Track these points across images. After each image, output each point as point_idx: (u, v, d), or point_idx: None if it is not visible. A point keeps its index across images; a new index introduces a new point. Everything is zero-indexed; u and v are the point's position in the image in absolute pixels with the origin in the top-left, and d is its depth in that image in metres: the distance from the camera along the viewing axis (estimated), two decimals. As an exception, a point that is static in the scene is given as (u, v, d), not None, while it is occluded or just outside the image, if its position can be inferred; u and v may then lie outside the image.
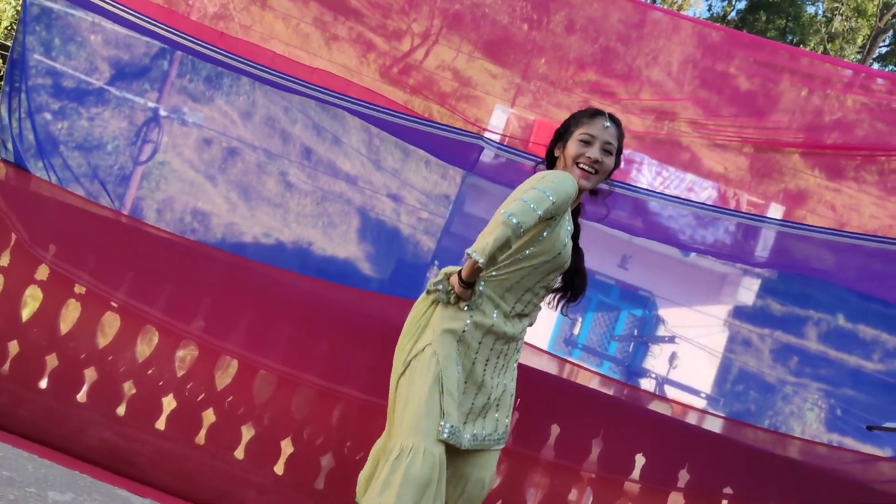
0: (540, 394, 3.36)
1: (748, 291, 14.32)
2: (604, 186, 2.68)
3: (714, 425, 3.92)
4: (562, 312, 2.75)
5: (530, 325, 2.66)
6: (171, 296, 3.44)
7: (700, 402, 12.19)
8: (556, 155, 2.62)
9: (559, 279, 2.64)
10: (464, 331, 2.45)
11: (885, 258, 3.97)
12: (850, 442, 22.84)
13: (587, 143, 2.53)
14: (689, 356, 12.88)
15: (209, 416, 3.38)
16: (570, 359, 12.20)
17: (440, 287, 2.47)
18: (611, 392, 4.02)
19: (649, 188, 13.17)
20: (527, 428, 3.36)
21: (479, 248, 2.29)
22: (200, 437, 3.37)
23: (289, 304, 3.44)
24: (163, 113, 12.28)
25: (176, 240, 3.72)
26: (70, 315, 3.49)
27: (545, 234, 2.46)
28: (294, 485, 3.32)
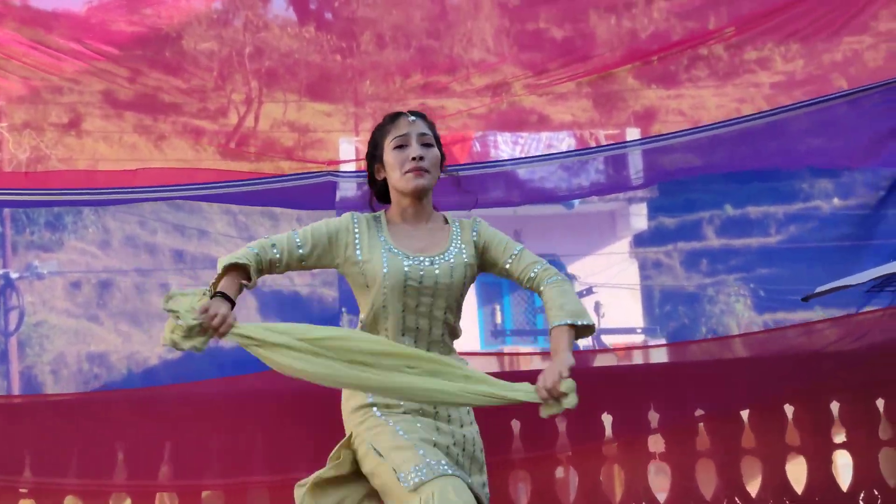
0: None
1: (639, 217, 14.65)
2: (448, 175, 2.36)
3: (660, 355, 3.91)
4: None
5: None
6: (84, 457, 3.17)
7: (639, 338, 12.37)
8: (379, 179, 2.31)
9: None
10: (370, 399, 2.13)
11: (738, 137, 4.03)
12: (782, 316, 23.75)
13: (402, 145, 2.25)
14: (611, 299, 13.07)
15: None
16: (504, 349, 12.21)
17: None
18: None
19: (513, 162, 13.27)
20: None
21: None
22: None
23: (210, 412, 3.23)
24: (14, 275, 11.64)
25: (72, 398, 3.46)
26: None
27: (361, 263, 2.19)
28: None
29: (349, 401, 2.17)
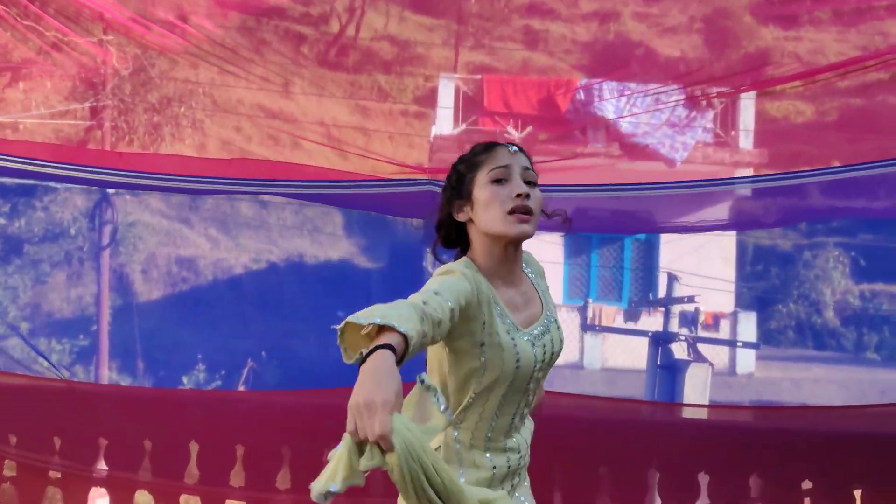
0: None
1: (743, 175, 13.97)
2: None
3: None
4: None
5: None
6: (153, 453, 3.11)
7: (721, 354, 11.79)
8: (459, 219, 1.87)
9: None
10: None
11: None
12: (881, 287, 22.73)
13: (502, 179, 1.83)
14: (705, 256, 12.63)
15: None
16: (589, 302, 11.90)
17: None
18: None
19: (616, 114, 12.62)
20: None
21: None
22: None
23: (285, 424, 3.11)
24: (110, 190, 11.86)
25: (142, 392, 3.39)
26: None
27: (484, 348, 1.78)
28: None
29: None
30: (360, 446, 1.40)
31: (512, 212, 1.79)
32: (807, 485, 3.03)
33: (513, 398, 1.83)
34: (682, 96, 12.51)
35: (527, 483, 1.97)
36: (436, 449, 1.76)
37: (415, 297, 1.61)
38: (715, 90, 13.39)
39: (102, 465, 3.11)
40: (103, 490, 3.16)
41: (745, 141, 13.15)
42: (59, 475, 3.14)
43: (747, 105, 13.03)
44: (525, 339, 1.82)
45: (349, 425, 1.40)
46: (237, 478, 3.11)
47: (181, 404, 3.34)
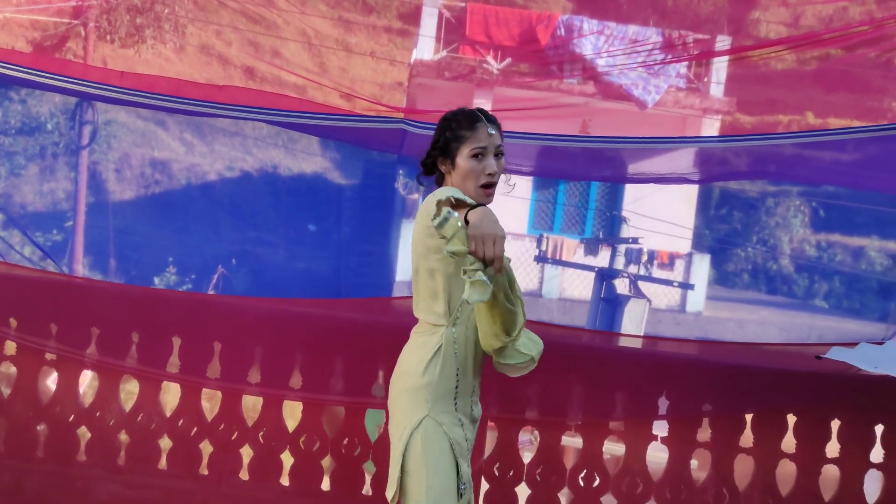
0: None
1: (711, 128, 14.34)
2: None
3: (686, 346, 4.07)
4: None
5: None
6: (140, 344, 3.49)
7: (673, 292, 12.26)
8: (441, 170, 2.47)
9: None
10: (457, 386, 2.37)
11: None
12: (837, 238, 23.26)
13: (479, 156, 2.39)
14: (667, 197, 13.04)
15: (206, 448, 3.51)
16: (548, 236, 12.33)
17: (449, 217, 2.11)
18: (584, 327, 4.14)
19: (594, 52, 12.86)
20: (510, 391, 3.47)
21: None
22: (203, 469, 3.50)
23: (255, 327, 3.50)
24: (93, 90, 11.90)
25: (131, 289, 3.75)
26: (48, 382, 3.56)
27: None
28: (301, 492, 3.48)
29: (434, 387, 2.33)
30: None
31: (483, 185, 2.39)
32: (707, 408, 3.50)
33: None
34: (660, 39, 12.74)
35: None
36: (437, 348, 2.35)
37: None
38: (692, 36, 13.62)
39: (94, 351, 3.49)
40: (93, 374, 3.55)
41: (717, 88, 13.42)
42: (54, 357, 3.52)
43: (723, 47, 13.20)
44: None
45: (472, 247, 2.05)
46: (213, 371, 3.52)
47: (165, 301, 3.71)
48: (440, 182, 2.49)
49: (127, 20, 12.45)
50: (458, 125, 2.42)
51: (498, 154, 2.42)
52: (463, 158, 2.40)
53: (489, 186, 2.41)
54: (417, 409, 2.32)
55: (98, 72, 4.14)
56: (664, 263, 12.69)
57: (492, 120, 2.44)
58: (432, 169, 2.50)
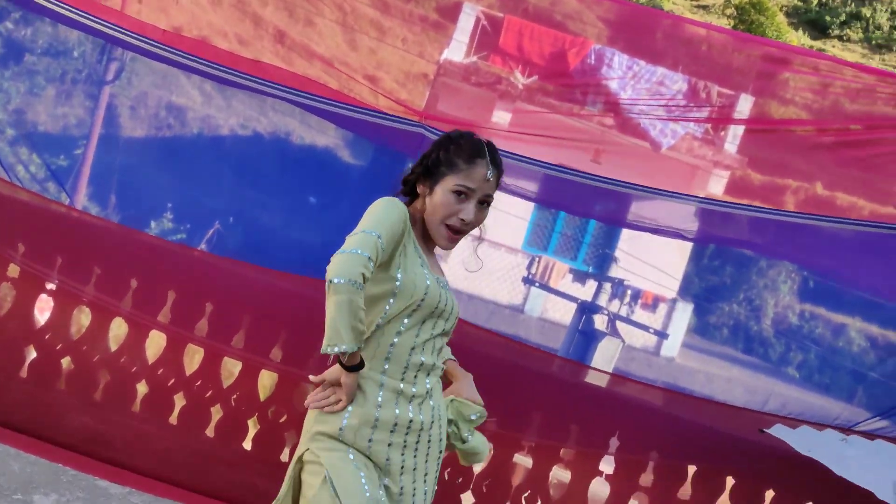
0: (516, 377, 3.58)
1: (718, 182, 14.52)
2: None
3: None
4: None
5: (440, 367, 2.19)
6: (137, 290, 3.66)
7: (649, 337, 12.47)
8: (418, 190, 2.15)
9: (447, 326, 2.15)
10: (340, 429, 2.02)
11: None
12: (821, 312, 23.48)
13: (462, 194, 2.09)
14: (663, 241, 13.23)
15: (180, 400, 3.67)
16: (541, 257, 12.51)
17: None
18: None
19: (619, 85, 13.08)
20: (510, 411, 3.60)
21: (330, 339, 1.91)
22: (173, 418, 3.67)
23: (246, 295, 3.67)
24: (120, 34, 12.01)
25: (140, 237, 3.91)
26: (43, 309, 3.72)
27: (398, 275, 2.03)
28: (261, 459, 3.65)
29: (318, 424, 2.06)
30: None
31: (449, 228, 2.09)
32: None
33: (416, 333, 2.05)
34: (686, 86, 12.91)
35: (437, 462, 2.14)
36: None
37: (359, 246, 1.93)
38: (717, 89, 13.79)
39: (91, 289, 3.66)
40: (87, 310, 3.72)
41: (731, 143, 13.61)
42: (53, 287, 3.68)
43: (744, 105, 13.34)
44: (434, 278, 2.08)
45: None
46: (200, 329, 3.69)
47: (167, 252, 3.87)
48: (411, 202, 2.18)
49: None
50: (458, 151, 2.11)
51: (484, 202, 2.11)
52: (444, 189, 2.09)
53: (457, 232, 2.11)
54: (301, 442, 2.10)
55: (135, 22, 4.28)
56: (647, 304, 12.88)
57: (496, 163, 2.13)
58: (413, 189, 2.18)
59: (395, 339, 2.04)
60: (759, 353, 21.22)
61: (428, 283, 2.06)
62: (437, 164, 2.11)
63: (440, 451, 2.14)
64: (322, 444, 2.02)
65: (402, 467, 2.04)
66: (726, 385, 13.76)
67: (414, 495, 2.05)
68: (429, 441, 2.09)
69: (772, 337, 21.86)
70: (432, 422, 2.10)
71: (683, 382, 13.06)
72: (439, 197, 2.09)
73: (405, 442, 2.05)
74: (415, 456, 2.06)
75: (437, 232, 2.10)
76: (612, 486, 3.69)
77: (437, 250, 2.22)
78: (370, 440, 2.01)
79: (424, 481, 2.08)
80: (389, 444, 2.03)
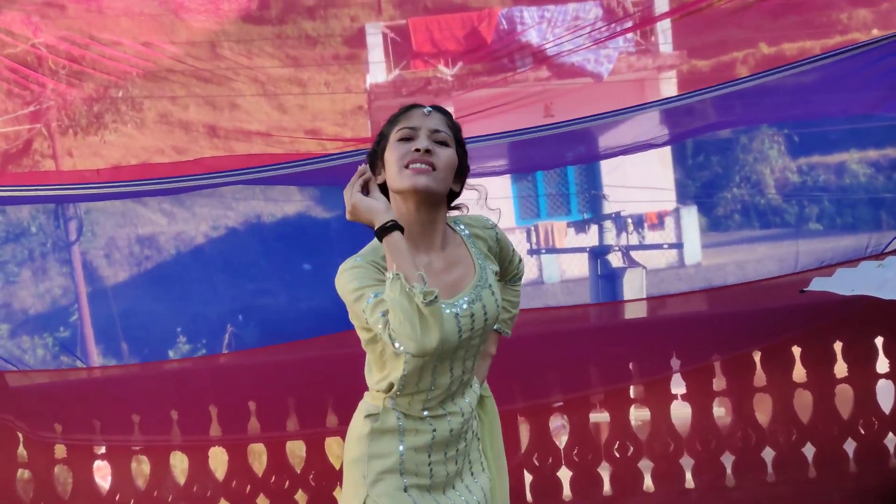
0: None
1: (668, 83, 14.57)
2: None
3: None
4: None
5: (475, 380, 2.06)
6: (181, 418, 3.68)
7: (669, 253, 12.45)
8: (379, 182, 1.89)
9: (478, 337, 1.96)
10: (402, 462, 1.88)
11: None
12: (817, 159, 23.56)
13: (408, 138, 1.85)
14: (640, 160, 13.28)
15: (263, 501, 3.70)
16: (538, 223, 12.57)
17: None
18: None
19: (540, 39, 13.17)
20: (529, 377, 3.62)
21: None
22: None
23: (279, 377, 3.71)
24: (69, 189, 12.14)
25: (165, 366, 3.96)
26: (105, 475, 3.75)
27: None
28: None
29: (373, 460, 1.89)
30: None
31: (407, 165, 1.80)
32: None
33: (444, 369, 1.87)
34: (601, 11, 12.99)
35: (477, 446, 2.04)
36: (373, 415, 1.90)
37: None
38: (630, 0, 13.83)
39: (138, 436, 3.68)
40: (144, 457, 3.74)
41: (665, 43, 13.65)
42: (103, 450, 3.71)
43: (662, 4, 13.38)
44: (447, 311, 1.81)
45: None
46: (253, 429, 3.72)
47: (195, 372, 3.90)
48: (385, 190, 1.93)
49: (85, 111, 12.72)
50: (392, 116, 1.93)
51: (439, 141, 1.86)
52: (390, 147, 1.86)
53: (419, 164, 1.81)
54: (359, 488, 1.90)
55: (73, 174, 4.34)
56: (654, 224, 12.92)
57: (439, 108, 1.92)
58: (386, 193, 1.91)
59: (431, 386, 1.89)
60: (777, 222, 21.23)
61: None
62: (380, 137, 1.93)
63: (474, 434, 2.02)
64: (382, 489, 1.87)
65: (447, 473, 1.95)
66: (759, 265, 13.78)
67: (470, 490, 1.98)
68: (467, 439, 2.00)
69: (782, 203, 21.86)
70: (464, 419, 1.97)
71: (718, 280, 13.08)
72: (390, 154, 1.86)
73: (457, 450, 1.95)
74: (456, 462, 1.97)
75: (402, 183, 1.82)
76: (691, 404, 3.71)
77: (437, 251, 1.98)
78: (429, 464, 1.90)
79: (471, 473, 2.00)
80: (445, 460, 1.93)
